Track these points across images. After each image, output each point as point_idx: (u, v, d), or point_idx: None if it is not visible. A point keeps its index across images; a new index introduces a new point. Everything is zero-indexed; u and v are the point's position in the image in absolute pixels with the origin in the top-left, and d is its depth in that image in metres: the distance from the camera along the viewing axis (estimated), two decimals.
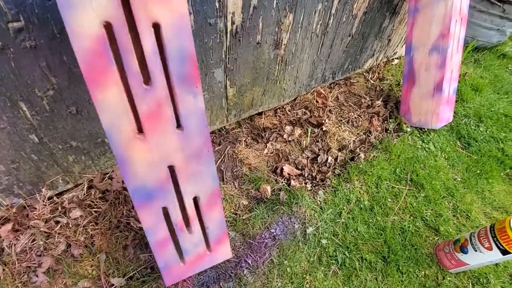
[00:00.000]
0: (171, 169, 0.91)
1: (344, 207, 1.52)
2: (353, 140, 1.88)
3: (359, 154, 1.77)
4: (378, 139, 1.91)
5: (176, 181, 0.94)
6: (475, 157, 1.95)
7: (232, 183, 1.57)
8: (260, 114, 1.94)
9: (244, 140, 1.78)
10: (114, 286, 1.14)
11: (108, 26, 0.70)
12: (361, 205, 1.54)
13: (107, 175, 1.40)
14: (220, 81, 1.50)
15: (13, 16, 0.84)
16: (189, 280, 1.18)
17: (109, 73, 0.72)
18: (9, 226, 1.20)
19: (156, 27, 0.75)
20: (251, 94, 1.72)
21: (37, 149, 1.14)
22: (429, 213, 1.57)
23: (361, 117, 2.04)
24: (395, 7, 2.07)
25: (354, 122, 2.00)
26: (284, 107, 2.01)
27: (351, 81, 2.32)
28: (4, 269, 1.15)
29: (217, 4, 1.19)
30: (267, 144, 1.78)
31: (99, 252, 1.22)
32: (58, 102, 1.07)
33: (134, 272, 1.19)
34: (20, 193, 1.22)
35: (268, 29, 1.45)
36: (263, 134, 1.83)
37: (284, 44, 1.60)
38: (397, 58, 2.72)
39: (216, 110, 1.64)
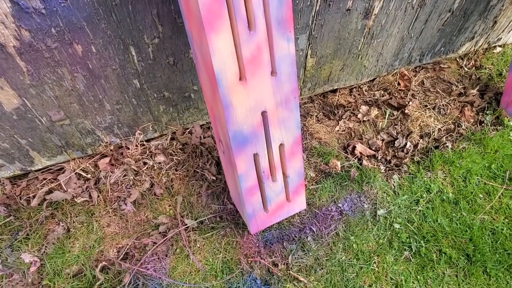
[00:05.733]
0: (263, 114, 0.93)
1: (423, 196, 1.38)
2: (439, 128, 1.69)
3: (445, 144, 1.58)
4: (469, 131, 1.68)
5: (266, 127, 0.96)
6: None
7: None
8: (334, 91, 1.86)
9: (316, 115, 1.74)
10: (187, 226, 1.23)
11: None
12: (444, 197, 1.38)
13: (188, 130, 1.51)
14: (302, 49, 1.47)
15: None
16: (254, 235, 1.21)
17: (222, 18, 0.76)
18: (106, 160, 1.39)
19: None
20: (329, 67, 1.66)
21: (137, 94, 1.28)
22: None
23: (450, 105, 1.81)
24: None
25: (442, 110, 1.78)
26: (361, 87, 1.89)
27: (441, 66, 2.06)
28: (99, 196, 1.34)
29: None
30: (339, 122, 1.71)
31: (176, 194, 1.33)
32: (161, 51, 1.17)
33: (204, 218, 1.27)
34: (118, 133, 1.39)
35: None
36: (335, 111, 1.76)
37: (375, 14, 1.49)
38: (500, 46, 2.33)
39: None
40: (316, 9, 1.33)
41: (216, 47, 0.78)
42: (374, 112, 1.73)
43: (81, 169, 1.36)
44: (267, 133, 0.98)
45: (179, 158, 1.42)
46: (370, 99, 1.84)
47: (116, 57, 1.13)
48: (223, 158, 1.18)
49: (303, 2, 1.27)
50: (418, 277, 1.14)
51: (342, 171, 1.46)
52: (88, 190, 1.33)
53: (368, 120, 1.71)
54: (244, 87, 0.87)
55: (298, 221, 1.27)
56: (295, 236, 1.22)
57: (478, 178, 1.45)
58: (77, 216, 1.28)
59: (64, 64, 1.07)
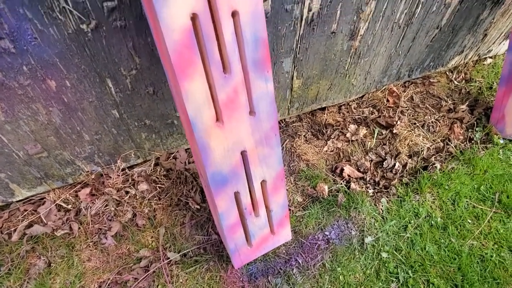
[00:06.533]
0: (243, 154, 0.90)
1: (411, 221, 1.36)
2: (428, 147, 1.67)
3: (434, 164, 1.56)
4: (459, 149, 1.66)
5: (246, 166, 0.94)
6: None
7: (287, 178, 1.53)
8: (322, 109, 1.84)
9: (304, 135, 1.71)
10: (169, 260, 1.20)
11: (193, 18, 0.70)
12: (432, 222, 1.36)
13: (172, 155, 1.48)
14: (288, 71, 1.45)
15: None
16: (238, 269, 1.19)
17: (195, 64, 0.73)
18: (87, 190, 1.35)
19: (234, 15, 0.74)
20: (316, 87, 1.63)
21: (117, 123, 1.24)
22: None
23: (440, 122, 1.80)
24: None
25: (431, 127, 1.77)
26: (350, 104, 1.87)
27: (430, 80, 2.05)
28: (79, 228, 1.30)
29: None
30: (328, 142, 1.68)
31: (159, 225, 1.30)
32: (139, 81, 1.14)
33: (188, 250, 1.24)
34: (99, 162, 1.36)
35: (346, 17, 1.34)
36: (324, 131, 1.73)
37: (361, 35, 1.47)
38: (490, 57, 2.32)
39: (279, 102, 1.60)
40: (300, 33, 1.30)
41: (190, 93, 0.75)
42: (363, 131, 1.71)
43: (61, 200, 1.33)
44: (248, 171, 0.96)
45: (162, 186, 1.39)
46: (359, 116, 1.82)
47: (92, 90, 1.10)
48: (205, 190, 1.15)
49: (286, 28, 1.24)
50: None
51: (329, 196, 1.44)
52: (68, 222, 1.30)
53: (357, 140, 1.68)
54: (221, 130, 0.84)
55: (284, 251, 1.25)
56: (280, 268, 1.20)
57: (467, 201, 1.44)
58: (57, 250, 1.24)
59: (38, 100, 1.04)
